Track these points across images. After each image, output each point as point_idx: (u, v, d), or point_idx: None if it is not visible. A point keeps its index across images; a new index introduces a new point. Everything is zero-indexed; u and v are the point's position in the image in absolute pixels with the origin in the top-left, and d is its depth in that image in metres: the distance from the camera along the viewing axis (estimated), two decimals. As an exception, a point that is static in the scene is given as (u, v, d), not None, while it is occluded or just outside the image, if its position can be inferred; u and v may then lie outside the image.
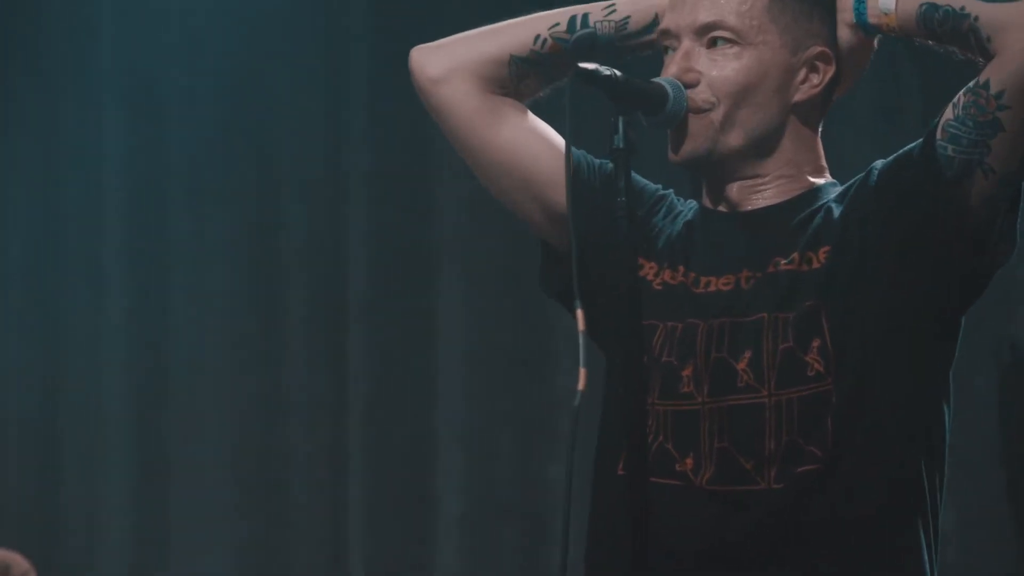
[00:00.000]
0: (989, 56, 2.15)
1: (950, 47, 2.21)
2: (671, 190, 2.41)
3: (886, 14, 2.23)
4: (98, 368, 4.58)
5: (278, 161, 4.52)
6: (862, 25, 2.26)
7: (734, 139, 2.25)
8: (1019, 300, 4.18)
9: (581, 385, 2.05)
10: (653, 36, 2.33)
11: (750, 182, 2.29)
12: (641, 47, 2.36)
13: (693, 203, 2.36)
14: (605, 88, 2.15)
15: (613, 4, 2.37)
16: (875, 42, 2.31)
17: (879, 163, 2.26)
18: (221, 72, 4.52)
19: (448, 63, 2.38)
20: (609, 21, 2.36)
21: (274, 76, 4.51)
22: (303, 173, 4.51)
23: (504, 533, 4.36)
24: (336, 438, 4.46)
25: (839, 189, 2.28)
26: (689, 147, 2.26)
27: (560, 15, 2.38)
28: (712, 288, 2.25)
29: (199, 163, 4.53)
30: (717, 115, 2.24)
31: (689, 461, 2.22)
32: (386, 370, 4.45)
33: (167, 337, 4.54)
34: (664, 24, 2.29)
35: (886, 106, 4.06)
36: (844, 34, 2.28)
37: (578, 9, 2.38)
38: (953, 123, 2.16)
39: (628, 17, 2.35)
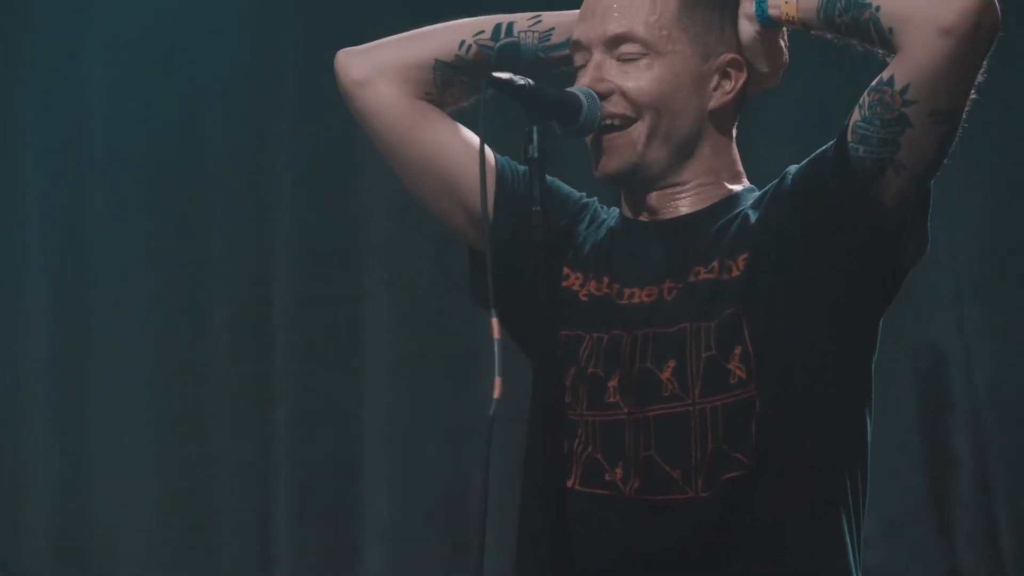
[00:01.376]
0: (890, 49, 2.15)
1: (850, 40, 2.21)
2: (595, 198, 2.42)
3: (787, 3, 2.23)
4: (18, 372, 4.51)
5: (201, 165, 4.49)
6: (762, 18, 2.26)
7: (657, 150, 2.27)
8: (936, 306, 4.24)
9: (496, 393, 2.07)
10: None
11: (670, 190, 2.30)
12: (564, 60, 2.37)
13: (616, 211, 2.38)
14: (518, 97, 2.16)
15: (539, 16, 2.39)
16: (784, 46, 2.32)
17: (793, 168, 2.28)
18: (145, 72, 4.47)
19: (373, 66, 2.38)
20: (533, 32, 2.38)
21: (199, 78, 4.48)
22: (227, 177, 4.48)
23: (431, 540, 4.36)
24: (262, 445, 4.44)
25: (756, 195, 2.30)
26: (614, 162, 2.27)
27: (485, 23, 2.40)
28: (635, 299, 2.27)
29: (122, 166, 4.49)
30: (640, 129, 2.26)
31: (618, 471, 2.23)
32: (311, 376, 4.43)
33: (90, 344, 4.49)
34: (575, 35, 2.31)
35: (811, 113, 4.10)
36: (746, 28, 2.28)
37: (504, 18, 2.40)
38: (861, 124, 2.16)
39: (552, 29, 2.37)
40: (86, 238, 4.50)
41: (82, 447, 4.47)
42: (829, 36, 2.23)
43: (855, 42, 2.21)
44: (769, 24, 2.27)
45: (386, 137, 2.38)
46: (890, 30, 2.14)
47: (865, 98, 2.16)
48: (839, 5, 2.18)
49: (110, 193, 4.49)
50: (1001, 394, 4.20)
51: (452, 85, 2.39)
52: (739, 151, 2.35)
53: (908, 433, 4.22)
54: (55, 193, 4.50)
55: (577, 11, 2.34)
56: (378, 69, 2.38)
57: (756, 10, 2.26)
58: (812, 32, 2.25)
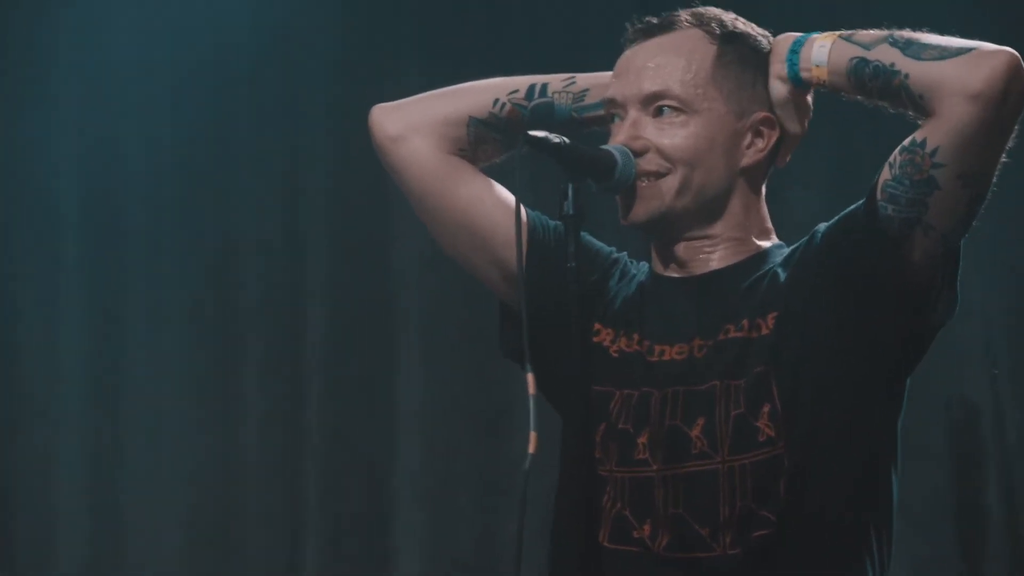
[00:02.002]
0: (922, 112, 2.17)
1: (880, 103, 2.23)
2: (624, 253, 2.43)
3: (818, 66, 2.25)
4: (55, 421, 4.53)
5: (236, 219, 4.52)
6: (794, 79, 2.28)
7: (687, 202, 2.28)
8: (967, 359, 4.23)
9: (532, 448, 2.07)
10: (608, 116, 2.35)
11: (699, 243, 2.32)
12: (598, 120, 2.39)
13: (645, 265, 2.39)
14: (554, 155, 2.18)
15: (573, 77, 2.41)
16: (810, 101, 2.34)
17: (822, 226, 2.29)
18: (181, 128, 4.51)
19: (407, 122, 2.41)
20: (567, 92, 2.40)
21: (234, 133, 4.51)
22: (261, 231, 4.51)
23: (462, 593, 4.36)
24: (293, 498, 4.44)
25: (785, 252, 2.31)
26: (642, 209, 2.29)
27: (520, 82, 2.42)
28: (666, 357, 2.28)
29: (157, 220, 4.52)
30: (672, 181, 2.28)
31: (647, 528, 2.24)
32: (344, 430, 4.44)
33: (124, 396, 4.51)
34: (610, 93, 2.33)
35: (842, 166, 4.10)
36: (777, 88, 2.30)
37: (538, 78, 2.42)
38: (891, 183, 2.18)
39: (587, 90, 2.39)
40: (122, 291, 4.53)
41: (113, 498, 4.48)
42: (861, 99, 2.25)
43: (887, 104, 2.23)
44: (800, 85, 2.29)
45: (419, 192, 2.40)
46: (920, 96, 2.16)
47: (896, 157, 2.18)
48: (867, 70, 2.20)
49: (146, 247, 4.51)
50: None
51: (485, 142, 2.41)
52: (768, 198, 2.37)
53: (940, 486, 4.21)
54: (92, 251, 4.52)
55: (610, 73, 2.36)
56: (412, 125, 2.40)
57: (788, 72, 2.28)
58: (843, 96, 2.27)
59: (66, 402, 4.50)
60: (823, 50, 2.24)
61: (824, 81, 2.25)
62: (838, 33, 2.24)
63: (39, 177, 4.54)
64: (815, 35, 2.27)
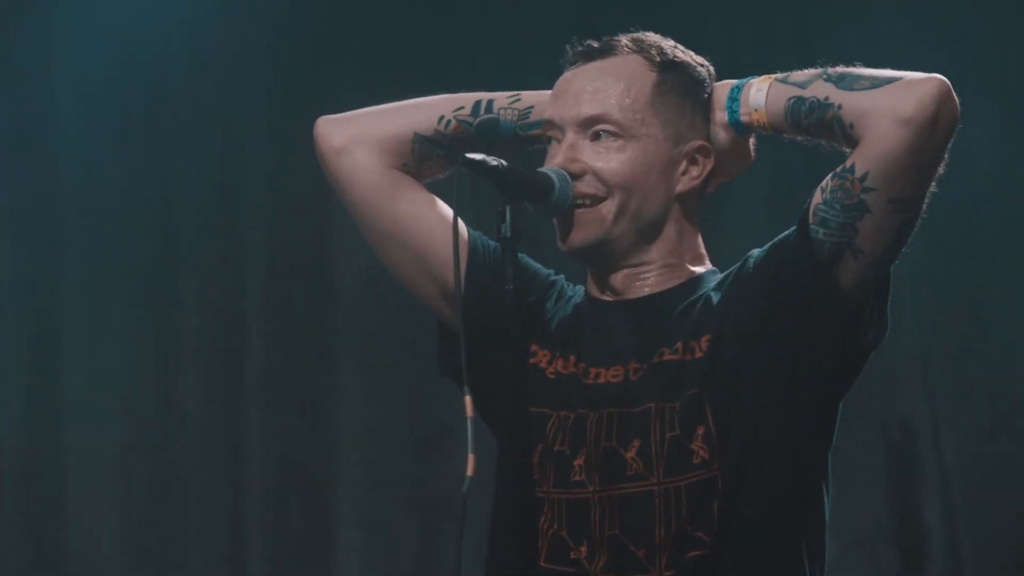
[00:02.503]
0: (853, 143, 2.19)
1: (817, 140, 2.26)
2: (562, 275, 2.44)
3: (756, 110, 2.28)
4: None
5: (175, 235, 4.50)
6: (734, 124, 2.31)
7: (624, 227, 2.30)
8: (904, 378, 4.26)
9: (470, 471, 2.08)
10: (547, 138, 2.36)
11: (635, 270, 2.33)
12: (543, 137, 2.39)
13: (582, 288, 2.40)
14: (491, 177, 2.19)
15: (519, 94, 2.42)
16: (751, 141, 2.37)
17: (755, 251, 2.31)
18: (119, 143, 4.49)
19: (352, 134, 2.41)
20: (513, 109, 2.41)
21: (172, 148, 4.49)
22: (199, 247, 4.49)
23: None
24: (234, 519, 4.42)
25: (718, 277, 2.33)
26: (580, 236, 2.30)
27: (466, 99, 2.43)
28: (602, 379, 2.29)
29: (95, 236, 4.49)
30: (609, 206, 2.29)
31: (584, 549, 2.24)
32: (283, 448, 4.43)
33: (62, 415, 4.48)
34: (548, 115, 2.34)
35: (778, 190, 4.14)
36: (718, 133, 2.33)
37: (484, 95, 2.43)
38: (822, 206, 2.20)
39: (531, 107, 2.41)
40: (59, 307, 4.50)
41: (53, 517, 4.45)
42: (800, 138, 2.28)
43: (823, 141, 2.25)
44: (742, 131, 2.32)
45: (361, 205, 2.41)
46: (851, 124, 2.19)
47: (828, 182, 2.20)
48: (803, 108, 2.23)
49: (82, 263, 4.49)
50: (970, 465, 4.22)
51: (429, 158, 2.42)
52: (707, 221, 2.39)
53: (879, 505, 4.23)
54: (28, 264, 4.49)
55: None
56: (356, 138, 2.40)
57: (729, 119, 2.31)
58: (784, 136, 2.29)
59: (7, 422, 4.46)
60: (760, 93, 2.27)
61: (764, 123, 2.28)
62: (774, 76, 2.28)
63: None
64: (752, 79, 2.30)
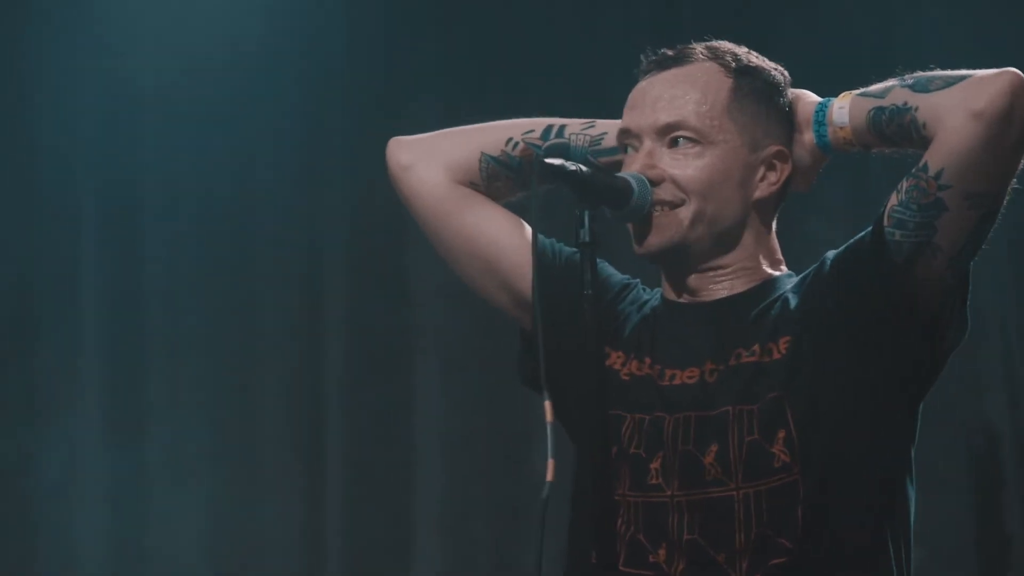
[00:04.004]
0: (927, 143, 2.18)
1: (902, 148, 2.25)
2: (638, 280, 2.44)
3: (841, 127, 2.27)
4: (73, 449, 4.54)
5: (255, 242, 4.54)
6: (823, 147, 2.31)
7: (700, 232, 2.30)
8: (988, 384, 4.23)
9: (549, 476, 2.08)
10: (624, 156, 2.36)
11: (711, 273, 2.33)
12: (614, 165, 2.38)
13: (657, 291, 2.40)
14: (570, 182, 2.19)
15: (592, 121, 2.44)
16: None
17: (831, 253, 2.30)
18: (197, 153, 4.53)
19: (419, 152, 2.46)
20: (585, 135, 2.42)
21: (253, 161, 4.53)
22: (280, 258, 4.53)
23: (482, 621, 4.36)
24: (313, 525, 4.45)
25: (795, 279, 2.32)
26: (656, 240, 2.30)
27: (538, 123, 2.46)
28: (677, 381, 2.29)
29: (175, 246, 4.54)
30: (687, 211, 2.29)
31: (662, 552, 2.24)
32: (363, 456, 4.45)
33: (145, 426, 4.52)
34: (624, 123, 2.34)
35: (859, 198, 4.11)
36: (803, 155, 2.33)
37: (557, 121, 2.45)
38: (898, 208, 2.19)
39: (604, 134, 2.42)
40: (142, 321, 4.54)
41: (135, 527, 4.49)
42: (887, 151, 2.27)
43: (909, 150, 2.24)
44: (829, 152, 2.32)
45: (427, 218, 2.45)
46: (924, 124, 2.18)
47: (903, 183, 2.19)
48: (884, 117, 2.23)
49: (164, 275, 4.53)
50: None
51: (498, 179, 2.44)
52: (789, 228, 2.38)
53: (962, 514, 4.20)
54: (113, 272, 4.54)
55: None
56: (422, 155, 2.45)
57: (818, 142, 2.31)
58: (872, 151, 2.29)
59: (84, 432, 4.51)
60: (843, 111, 2.27)
61: (850, 140, 2.28)
62: (853, 92, 2.28)
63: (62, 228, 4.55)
64: (832, 100, 2.30)
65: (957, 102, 2.14)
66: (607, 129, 2.41)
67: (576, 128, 2.43)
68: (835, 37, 4.28)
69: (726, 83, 2.32)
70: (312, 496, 4.45)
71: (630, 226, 2.32)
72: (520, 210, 2.45)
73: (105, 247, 4.53)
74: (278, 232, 4.53)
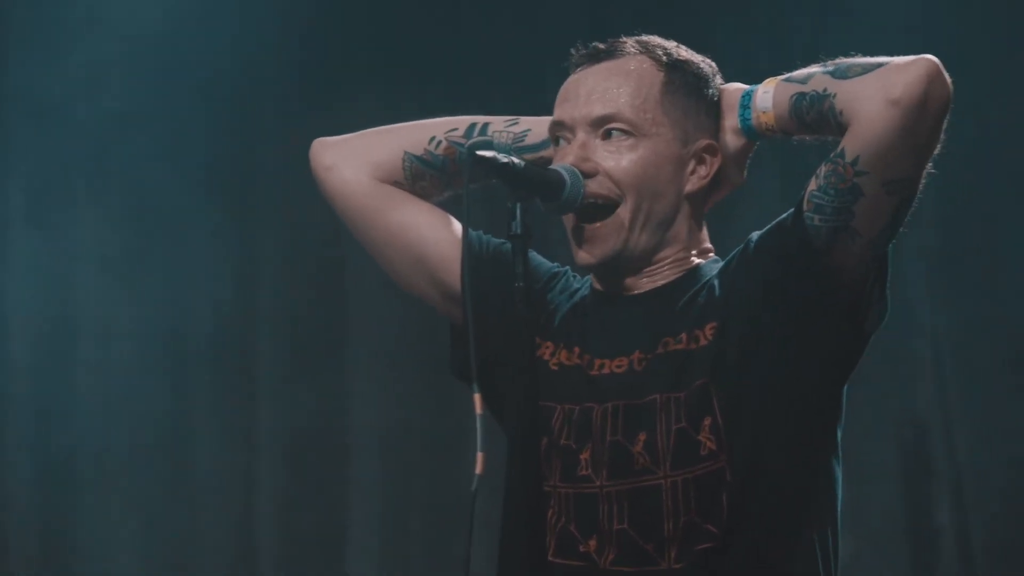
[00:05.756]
0: (844, 130, 2.19)
1: (821, 135, 2.27)
2: (567, 267, 2.45)
3: (764, 112, 2.29)
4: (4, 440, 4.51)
5: (187, 233, 4.52)
6: (747, 131, 2.33)
7: (641, 234, 2.31)
8: (917, 376, 4.27)
9: (479, 469, 2.09)
10: (549, 151, 2.38)
11: (646, 268, 2.34)
12: (537, 161, 2.38)
13: (587, 280, 2.41)
14: (503, 175, 2.19)
15: (516, 118, 2.45)
16: (752, 150, 2.37)
17: (755, 234, 2.32)
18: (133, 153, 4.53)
19: (342, 153, 2.48)
20: (508, 132, 2.44)
21: (187, 153, 4.52)
22: (213, 248, 4.51)
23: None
24: (247, 519, 4.44)
25: (720, 265, 2.34)
26: (600, 250, 2.31)
27: (460, 121, 2.47)
28: (606, 370, 2.29)
29: (106, 240, 4.52)
30: (625, 212, 2.30)
31: (592, 543, 2.25)
32: (297, 451, 4.45)
33: (74, 420, 4.49)
34: (557, 116, 2.35)
35: (791, 188, 4.14)
36: (728, 139, 2.34)
37: (480, 118, 2.46)
38: (816, 193, 2.21)
39: (528, 130, 2.43)
40: (71, 311, 4.51)
41: (61, 498, 4.46)
42: (808, 138, 2.29)
43: (829, 137, 2.25)
44: (754, 137, 2.33)
45: (353, 218, 2.47)
46: (841, 111, 2.20)
47: (821, 168, 2.21)
48: (804, 103, 2.25)
49: (94, 264, 4.51)
50: (982, 463, 4.23)
51: (422, 178, 2.46)
52: (721, 222, 2.40)
53: (893, 504, 4.24)
54: (43, 257, 4.51)
55: (551, 117, 2.38)
56: (345, 156, 2.47)
57: (741, 125, 2.33)
58: (793, 138, 2.30)
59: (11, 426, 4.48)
60: (767, 96, 2.29)
61: (772, 126, 2.29)
62: (778, 77, 2.29)
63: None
64: (758, 85, 2.31)
65: (874, 90, 2.15)
66: (530, 126, 2.43)
67: (499, 125, 2.44)
68: (769, 34, 4.31)
69: (658, 77, 2.33)
70: (246, 491, 4.44)
71: (570, 237, 2.33)
72: (449, 208, 2.46)
73: (35, 231, 4.50)
74: (210, 224, 4.51)
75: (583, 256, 2.31)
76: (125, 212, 4.52)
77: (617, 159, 2.30)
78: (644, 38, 2.37)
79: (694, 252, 2.36)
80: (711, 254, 2.38)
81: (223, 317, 4.49)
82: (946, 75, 2.15)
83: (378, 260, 2.47)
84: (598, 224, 2.29)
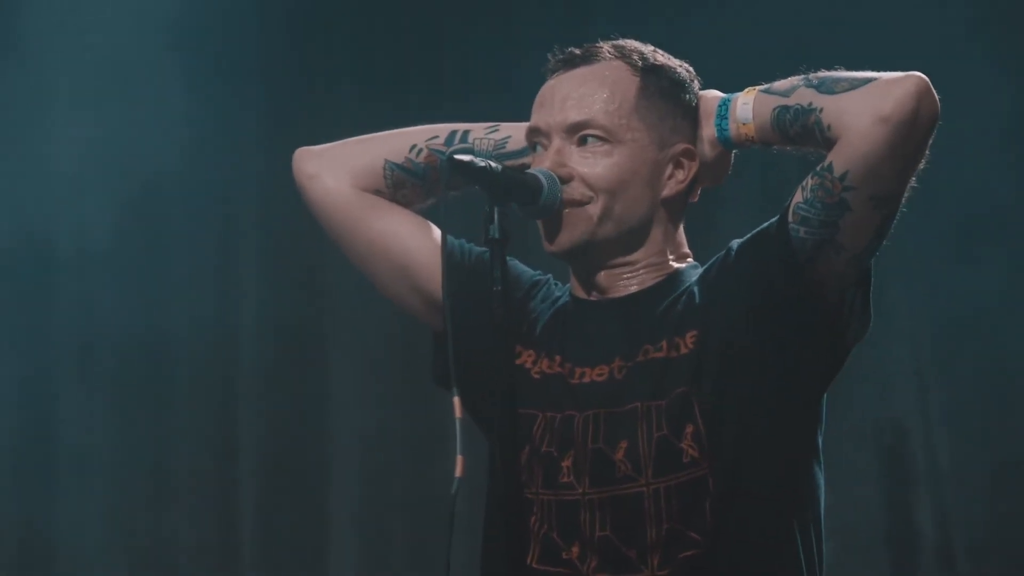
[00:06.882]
0: (831, 144, 2.20)
1: (804, 148, 2.27)
2: (549, 275, 2.46)
3: (744, 124, 2.29)
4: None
5: (167, 237, 4.51)
6: (724, 141, 2.33)
7: (609, 230, 2.31)
8: (897, 382, 4.28)
9: (459, 472, 2.09)
10: (530, 158, 2.38)
11: (619, 270, 2.34)
12: (518, 168, 2.38)
13: (568, 288, 2.41)
14: (480, 179, 2.20)
15: (496, 125, 2.45)
16: (732, 154, 2.37)
17: (736, 242, 2.32)
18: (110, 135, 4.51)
19: (324, 162, 2.48)
20: (489, 139, 2.44)
21: (166, 141, 4.51)
22: (194, 252, 4.50)
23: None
24: (228, 522, 4.43)
25: (700, 271, 2.34)
26: (566, 237, 2.31)
27: (440, 129, 2.48)
28: (587, 379, 2.30)
29: (86, 246, 4.50)
30: (595, 208, 2.30)
31: (575, 550, 2.25)
32: (277, 454, 4.45)
33: (54, 425, 4.48)
34: (533, 122, 2.35)
35: (771, 196, 4.15)
36: (705, 148, 2.34)
37: (461, 126, 2.47)
38: (803, 205, 2.21)
39: (508, 137, 2.43)
40: (51, 317, 4.50)
41: (43, 509, 4.45)
42: (788, 149, 2.29)
43: (811, 149, 2.26)
44: (731, 147, 2.33)
45: (335, 227, 2.47)
46: (829, 127, 2.20)
47: (808, 181, 2.21)
48: (788, 116, 2.25)
49: (74, 271, 4.49)
50: (962, 466, 4.24)
51: (404, 186, 2.46)
52: (700, 228, 2.40)
53: (871, 507, 4.25)
54: (24, 264, 4.50)
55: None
56: (327, 165, 2.48)
57: (718, 135, 2.32)
58: (773, 148, 2.30)
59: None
60: (747, 107, 2.29)
61: (752, 137, 2.29)
62: (757, 88, 2.29)
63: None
64: (737, 95, 2.31)
65: (863, 106, 2.16)
66: (511, 132, 2.43)
67: (480, 132, 2.45)
68: (744, 37, 4.32)
69: (634, 82, 2.33)
70: (226, 493, 4.44)
71: (540, 224, 2.33)
72: (430, 216, 2.46)
73: (14, 241, 4.49)
74: (190, 227, 4.51)
75: (552, 243, 2.31)
76: (103, 214, 4.50)
77: (592, 165, 2.30)
78: (621, 43, 2.37)
79: (671, 256, 2.36)
80: (689, 259, 2.38)
81: (204, 321, 4.48)
82: (934, 92, 2.16)
83: (360, 268, 2.48)
84: (567, 211, 2.29)
